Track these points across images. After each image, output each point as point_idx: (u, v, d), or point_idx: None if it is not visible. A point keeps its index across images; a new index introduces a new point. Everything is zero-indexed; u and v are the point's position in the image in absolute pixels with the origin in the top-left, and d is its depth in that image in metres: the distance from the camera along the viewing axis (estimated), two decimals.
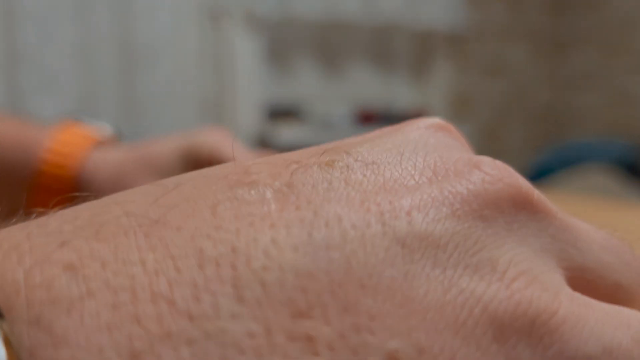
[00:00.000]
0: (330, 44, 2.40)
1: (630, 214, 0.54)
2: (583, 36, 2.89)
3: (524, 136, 2.94)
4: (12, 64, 1.68)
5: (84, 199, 0.09)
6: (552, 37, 2.96)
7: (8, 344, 0.07)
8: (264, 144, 1.99)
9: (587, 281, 0.10)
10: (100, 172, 0.29)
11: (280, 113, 2.07)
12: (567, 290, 0.09)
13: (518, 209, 0.09)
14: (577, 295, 0.09)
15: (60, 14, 1.76)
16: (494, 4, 2.69)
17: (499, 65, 2.77)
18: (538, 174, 2.41)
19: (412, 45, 2.62)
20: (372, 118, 2.29)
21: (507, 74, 2.80)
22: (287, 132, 2.00)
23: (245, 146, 0.29)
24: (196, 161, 0.29)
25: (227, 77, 2.09)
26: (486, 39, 2.70)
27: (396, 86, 2.63)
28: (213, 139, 0.29)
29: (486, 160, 0.10)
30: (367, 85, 2.54)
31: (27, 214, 0.29)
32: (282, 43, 2.30)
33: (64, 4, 1.76)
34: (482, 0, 2.65)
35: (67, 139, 0.30)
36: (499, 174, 0.10)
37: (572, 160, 2.36)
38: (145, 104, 1.89)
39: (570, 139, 2.56)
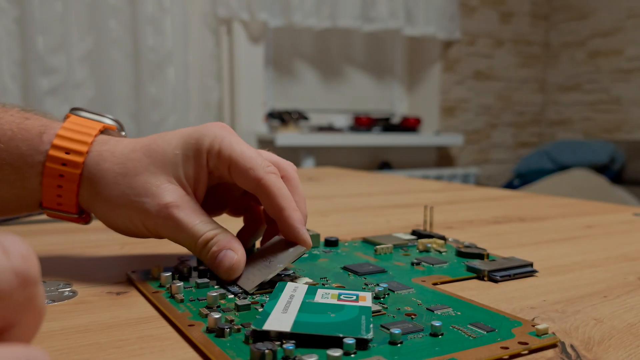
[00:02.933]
0: (329, 52, 2.43)
1: (616, 215, 0.55)
2: (572, 43, 2.91)
3: (514, 138, 2.97)
4: (27, 70, 1.71)
5: None
6: (541, 44, 2.98)
7: None
8: (266, 147, 1.98)
9: None
10: (107, 160, 0.30)
11: (282, 117, 2.08)
12: None
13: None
14: None
15: (73, 24, 1.76)
16: (485, 13, 2.73)
17: (490, 71, 2.80)
18: (526, 175, 2.44)
19: (406, 53, 2.65)
20: (368, 122, 2.32)
21: (498, 79, 2.84)
22: (288, 135, 2.01)
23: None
24: (197, 153, 0.30)
25: (231, 82, 2.09)
26: (478, 46, 2.74)
27: (391, 92, 2.65)
28: (214, 132, 0.30)
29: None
30: (364, 90, 2.56)
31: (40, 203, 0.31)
32: (285, 50, 2.32)
33: (77, 15, 1.77)
34: (474, 9, 2.69)
35: (74, 126, 0.30)
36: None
37: (559, 162, 2.38)
38: (153, 108, 1.90)
39: (557, 142, 2.55)
